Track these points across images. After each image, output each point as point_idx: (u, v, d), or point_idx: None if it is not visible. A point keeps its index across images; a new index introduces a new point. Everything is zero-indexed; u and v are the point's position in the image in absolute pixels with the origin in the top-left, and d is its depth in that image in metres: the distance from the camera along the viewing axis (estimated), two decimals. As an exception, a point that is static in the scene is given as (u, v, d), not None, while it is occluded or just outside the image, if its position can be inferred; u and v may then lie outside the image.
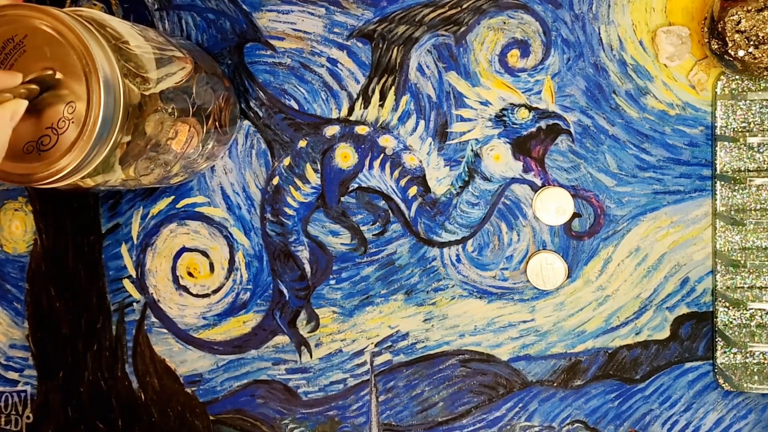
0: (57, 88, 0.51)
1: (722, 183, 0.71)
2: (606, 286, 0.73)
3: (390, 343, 0.76)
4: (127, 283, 0.78)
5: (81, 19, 0.52)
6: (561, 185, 0.73)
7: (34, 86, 0.50)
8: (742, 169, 0.71)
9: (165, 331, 0.78)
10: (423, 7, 0.73)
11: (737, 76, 0.70)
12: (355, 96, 0.74)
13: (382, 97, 0.74)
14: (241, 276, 0.77)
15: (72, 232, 0.78)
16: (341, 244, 0.76)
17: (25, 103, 0.49)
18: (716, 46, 0.66)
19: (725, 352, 0.72)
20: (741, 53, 0.64)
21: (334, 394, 0.77)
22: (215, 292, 0.77)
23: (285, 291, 0.76)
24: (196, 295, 0.77)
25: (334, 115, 0.74)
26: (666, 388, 0.74)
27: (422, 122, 0.74)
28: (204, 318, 0.78)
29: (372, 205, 0.75)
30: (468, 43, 0.73)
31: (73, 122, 0.51)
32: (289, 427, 0.77)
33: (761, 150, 0.71)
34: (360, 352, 0.76)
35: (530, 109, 0.72)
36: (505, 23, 0.72)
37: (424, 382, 0.76)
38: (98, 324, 0.78)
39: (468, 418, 0.76)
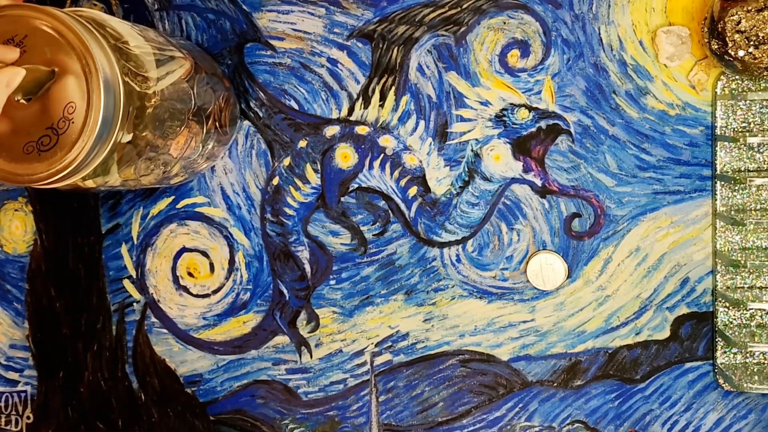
0: (57, 88, 0.51)
1: (722, 183, 0.71)
2: (606, 286, 0.73)
3: (390, 343, 0.76)
4: (127, 283, 0.78)
5: (81, 19, 0.52)
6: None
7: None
8: (742, 169, 0.71)
9: (165, 331, 0.78)
10: (423, 7, 0.73)
11: (737, 76, 0.70)
12: (355, 96, 0.74)
13: (382, 98, 0.74)
14: (241, 276, 0.77)
15: (72, 232, 0.78)
16: (341, 244, 0.76)
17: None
18: (716, 46, 0.66)
19: (725, 352, 0.72)
20: (741, 53, 0.64)
21: (334, 394, 0.77)
22: (215, 292, 0.77)
23: (285, 291, 0.76)
24: (196, 296, 0.77)
25: (334, 115, 0.74)
26: (666, 388, 0.74)
27: (422, 122, 0.74)
28: (204, 318, 0.78)
29: (372, 205, 0.75)
30: (468, 43, 0.73)
31: (73, 122, 0.51)
32: (289, 427, 0.77)
33: (761, 150, 0.71)
34: (360, 352, 0.76)
35: (530, 109, 0.72)
36: (505, 23, 0.72)
37: (424, 382, 0.76)
38: (98, 324, 0.78)
39: (468, 418, 0.76)
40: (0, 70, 0.48)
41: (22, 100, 0.51)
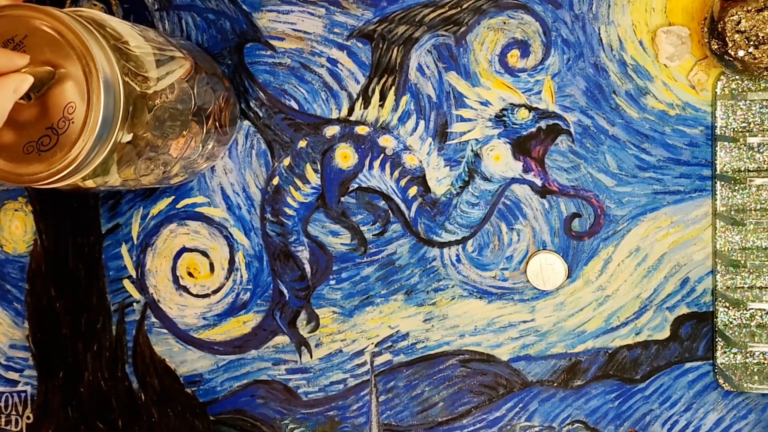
0: (57, 88, 0.51)
1: (722, 183, 0.71)
2: (606, 286, 0.73)
3: (390, 343, 0.76)
4: (127, 283, 0.78)
5: (81, 19, 0.52)
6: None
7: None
8: (742, 169, 0.71)
9: (165, 331, 0.78)
10: (423, 7, 0.73)
11: (737, 76, 0.70)
12: (355, 96, 0.74)
13: (382, 98, 0.74)
14: (241, 276, 0.77)
15: (72, 232, 0.78)
16: (341, 244, 0.76)
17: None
18: (716, 46, 0.66)
19: (725, 352, 0.72)
20: (741, 53, 0.64)
21: (334, 394, 0.77)
22: (215, 292, 0.77)
23: (285, 291, 0.76)
24: (196, 296, 0.77)
25: (334, 115, 0.74)
26: (666, 388, 0.74)
27: (422, 122, 0.74)
28: (204, 318, 0.78)
29: (372, 205, 0.75)
30: (468, 43, 0.73)
31: (73, 122, 0.51)
32: (289, 427, 0.77)
33: (761, 150, 0.71)
34: (360, 352, 0.76)
35: (530, 109, 0.72)
36: (505, 23, 0.72)
37: (424, 382, 0.76)
38: (98, 324, 0.78)
39: (468, 419, 0.76)
40: (7, 76, 0.48)
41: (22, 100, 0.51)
